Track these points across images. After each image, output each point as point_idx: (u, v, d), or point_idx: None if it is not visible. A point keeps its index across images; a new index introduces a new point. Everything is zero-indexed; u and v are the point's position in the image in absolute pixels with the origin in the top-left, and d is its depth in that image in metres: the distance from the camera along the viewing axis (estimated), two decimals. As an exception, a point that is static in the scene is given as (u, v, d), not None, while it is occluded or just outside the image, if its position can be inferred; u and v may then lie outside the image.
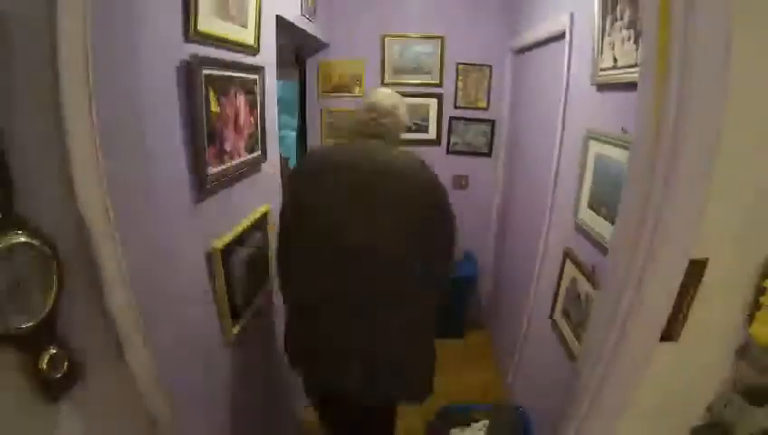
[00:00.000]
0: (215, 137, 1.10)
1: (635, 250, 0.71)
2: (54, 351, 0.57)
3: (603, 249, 1.32)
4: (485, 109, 2.80)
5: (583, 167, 1.50)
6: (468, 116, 2.82)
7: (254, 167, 1.41)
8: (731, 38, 0.59)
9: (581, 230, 1.51)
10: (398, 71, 2.74)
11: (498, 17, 2.62)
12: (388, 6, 2.65)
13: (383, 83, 2.75)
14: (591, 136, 1.45)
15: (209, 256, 1.13)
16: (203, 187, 1.06)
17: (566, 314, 1.62)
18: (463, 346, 2.97)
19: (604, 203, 1.35)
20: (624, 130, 1.23)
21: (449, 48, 2.70)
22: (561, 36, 1.77)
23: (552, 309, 1.76)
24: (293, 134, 3.48)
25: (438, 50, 2.69)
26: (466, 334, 3.08)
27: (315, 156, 1.39)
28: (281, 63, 1.78)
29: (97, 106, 0.60)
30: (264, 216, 1.50)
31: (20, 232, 0.52)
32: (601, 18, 1.34)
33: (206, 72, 1.02)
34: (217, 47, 1.11)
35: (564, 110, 1.75)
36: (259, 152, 1.44)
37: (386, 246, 1.18)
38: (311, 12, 2.14)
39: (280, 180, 1.78)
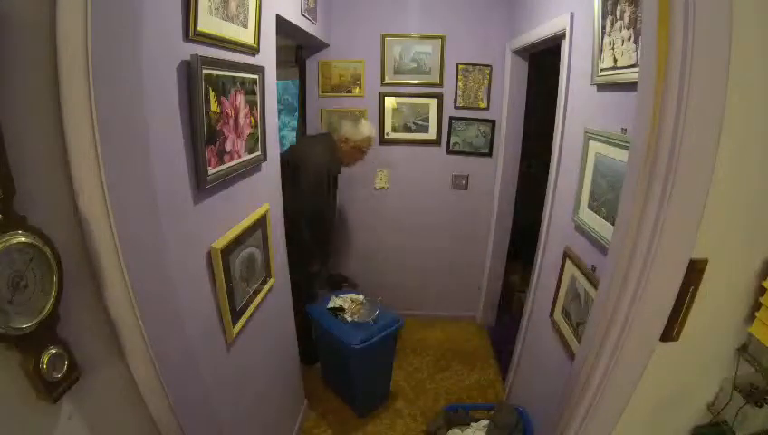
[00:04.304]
0: (215, 137, 1.10)
1: (635, 250, 0.71)
2: (55, 351, 0.57)
3: (603, 249, 1.32)
4: (485, 109, 2.80)
5: (583, 167, 1.50)
6: (468, 116, 2.82)
7: (254, 167, 1.41)
8: (731, 38, 0.59)
9: (581, 230, 1.51)
10: (398, 71, 2.74)
11: (498, 17, 2.62)
12: (388, 6, 2.65)
13: (383, 83, 2.76)
14: (591, 136, 1.45)
15: (209, 256, 1.13)
16: (203, 187, 1.06)
17: (566, 313, 1.62)
18: (463, 346, 2.97)
19: (604, 203, 1.35)
20: (624, 131, 1.23)
21: (449, 48, 2.69)
22: (561, 36, 1.77)
23: (552, 308, 1.76)
24: (293, 134, 3.48)
25: (438, 50, 2.69)
26: (466, 334, 3.08)
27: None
28: (281, 63, 1.78)
29: (97, 106, 0.60)
30: (264, 216, 1.51)
31: (20, 232, 0.52)
32: (601, 18, 1.34)
33: (206, 72, 1.02)
34: (217, 47, 1.11)
35: (564, 110, 1.75)
36: (259, 152, 1.44)
37: None
38: (311, 12, 2.14)
39: (280, 180, 1.78)
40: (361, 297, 2.40)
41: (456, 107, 2.81)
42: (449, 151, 2.91)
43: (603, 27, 1.34)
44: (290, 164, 2.09)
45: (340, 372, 2.34)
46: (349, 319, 2.21)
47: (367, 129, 2.38)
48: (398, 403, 2.43)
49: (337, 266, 3.17)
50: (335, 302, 2.35)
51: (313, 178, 2.21)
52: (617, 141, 1.26)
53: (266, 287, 1.55)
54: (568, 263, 1.61)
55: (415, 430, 2.25)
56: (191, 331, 1.02)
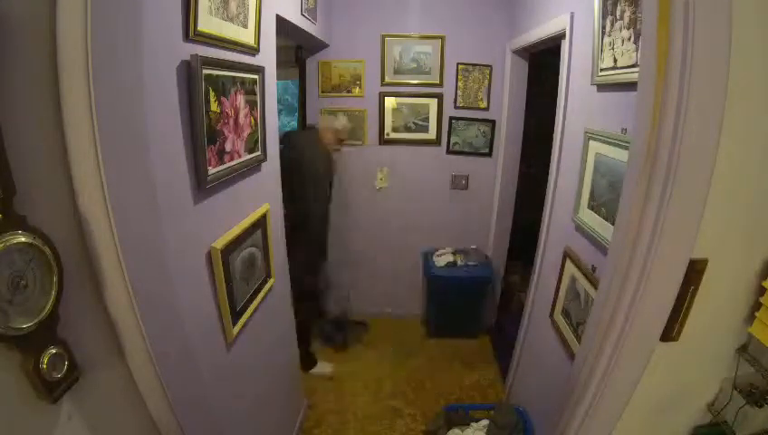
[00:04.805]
0: (215, 137, 1.10)
1: (635, 250, 0.71)
2: (55, 351, 0.57)
3: (603, 249, 1.32)
4: (485, 109, 2.80)
5: (583, 167, 1.50)
6: (468, 116, 2.82)
7: (254, 167, 1.41)
8: (731, 38, 0.59)
9: (581, 230, 1.51)
10: (398, 71, 2.74)
11: (498, 17, 2.62)
12: (388, 6, 2.65)
13: (383, 83, 2.76)
14: (591, 136, 1.45)
15: (209, 256, 1.13)
16: (203, 187, 1.06)
17: (566, 313, 1.62)
18: (463, 346, 2.97)
19: (604, 203, 1.35)
20: (624, 131, 1.23)
21: (449, 48, 2.69)
22: (561, 36, 1.77)
23: (552, 308, 1.76)
24: (293, 134, 3.48)
25: (438, 50, 2.69)
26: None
27: None
28: (281, 63, 1.78)
29: (97, 106, 0.60)
30: (264, 215, 1.50)
31: (20, 232, 0.52)
32: (601, 18, 1.34)
33: (206, 72, 1.02)
34: (217, 47, 1.11)
35: (564, 110, 1.75)
36: (259, 152, 1.44)
37: None
38: (311, 12, 2.14)
39: (280, 180, 1.78)
40: (450, 248, 3.00)
41: (456, 107, 2.81)
42: (449, 151, 2.91)
43: (603, 27, 1.34)
44: (288, 157, 2.10)
45: (465, 307, 2.95)
46: (461, 264, 2.88)
47: (344, 120, 2.59)
48: (398, 403, 2.43)
49: (336, 268, 3.17)
50: (441, 260, 2.91)
51: (311, 173, 2.32)
52: (617, 141, 1.26)
53: (266, 287, 1.55)
54: (568, 263, 1.61)
55: (415, 430, 2.25)
56: (191, 331, 1.02)
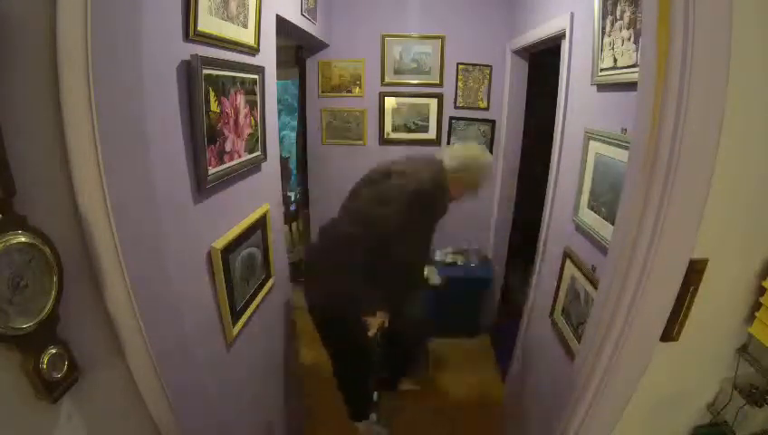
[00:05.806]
0: (215, 137, 1.10)
1: (635, 250, 0.71)
2: (55, 351, 0.57)
3: (603, 249, 1.32)
4: (485, 109, 2.80)
5: (583, 167, 1.50)
6: (468, 116, 2.83)
7: (254, 167, 1.41)
8: (731, 37, 0.59)
9: (581, 230, 1.51)
10: (398, 71, 2.75)
11: (498, 17, 2.62)
12: (388, 6, 2.65)
13: (383, 83, 2.76)
14: (591, 136, 1.45)
15: (209, 256, 1.13)
16: (203, 187, 1.06)
17: (566, 313, 1.62)
18: (463, 346, 2.97)
19: (604, 203, 1.35)
20: (624, 131, 1.23)
21: (449, 48, 2.70)
22: (561, 36, 1.77)
23: (552, 308, 1.76)
24: (293, 134, 3.49)
25: (438, 50, 2.70)
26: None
27: None
28: (281, 63, 1.78)
29: (97, 106, 0.60)
30: (264, 216, 1.50)
31: (20, 232, 0.52)
32: (601, 18, 1.34)
33: (206, 72, 1.02)
34: (217, 47, 1.11)
35: (564, 110, 1.75)
36: (259, 152, 1.44)
37: None
38: (311, 12, 2.14)
39: (280, 180, 1.78)
40: (451, 248, 3.03)
41: (456, 107, 2.81)
42: (449, 151, 2.91)
43: (603, 27, 1.33)
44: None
45: (464, 307, 2.95)
46: (461, 264, 2.94)
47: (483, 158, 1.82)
48: (398, 403, 2.43)
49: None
50: (447, 259, 2.97)
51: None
52: (617, 141, 1.26)
53: (266, 287, 1.55)
54: (568, 263, 1.61)
55: (415, 431, 2.25)
56: (191, 331, 1.02)
